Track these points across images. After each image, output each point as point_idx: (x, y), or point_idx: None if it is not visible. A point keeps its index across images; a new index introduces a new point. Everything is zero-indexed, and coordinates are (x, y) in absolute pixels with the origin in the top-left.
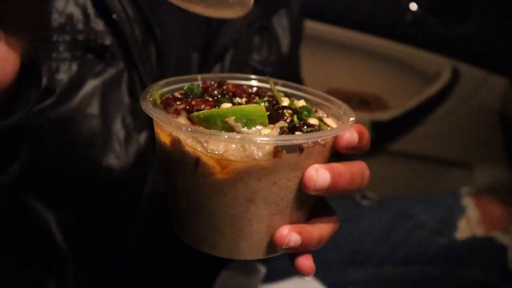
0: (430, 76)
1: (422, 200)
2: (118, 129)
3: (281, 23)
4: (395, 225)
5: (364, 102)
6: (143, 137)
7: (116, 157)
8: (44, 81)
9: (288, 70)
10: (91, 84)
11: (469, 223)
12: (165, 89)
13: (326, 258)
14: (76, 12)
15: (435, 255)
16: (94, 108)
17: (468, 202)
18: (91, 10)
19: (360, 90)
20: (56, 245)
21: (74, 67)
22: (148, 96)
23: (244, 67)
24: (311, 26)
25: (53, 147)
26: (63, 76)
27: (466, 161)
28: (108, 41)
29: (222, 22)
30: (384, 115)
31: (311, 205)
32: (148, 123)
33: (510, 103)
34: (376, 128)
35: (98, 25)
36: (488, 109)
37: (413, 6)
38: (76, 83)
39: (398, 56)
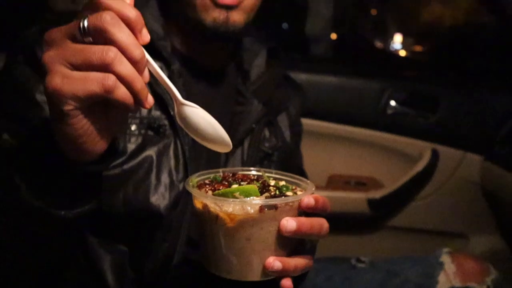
0: (414, 157)
1: (408, 260)
2: (165, 178)
3: (283, 122)
4: (385, 283)
5: (360, 183)
6: (181, 185)
7: (162, 198)
8: (121, 145)
9: (291, 160)
10: (150, 150)
11: (447, 277)
12: (199, 178)
13: None
14: None
15: None
16: (150, 165)
17: (445, 259)
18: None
19: (356, 174)
20: (106, 285)
21: (140, 138)
22: (189, 182)
23: (258, 151)
24: (313, 123)
25: (122, 192)
26: (132, 143)
27: (460, 232)
28: (162, 123)
29: (240, 118)
30: (377, 194)
31: (290, 244)
32: (185, 178)
33: (487, 176)
34: (372, 205)
35: (156, 113)
36: (470, 183)
37: (392, 102)
38: (140, 148)
39: (386, 143)
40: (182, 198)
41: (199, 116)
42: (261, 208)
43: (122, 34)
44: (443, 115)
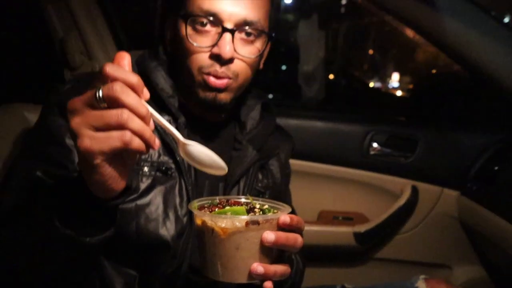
0: (396, 194)
1: (388, 286)
2: (171, 213)
3: (274, 165)
4: None
5: (348, 218)
6: (185, 219)
7: (169, 230)
8: (134, 184)
9: (281, 198)
10: (159, 188)
11: None
12: (200, 202)
13: None
14: (154, 152)
15: None
16: (159, 200)
17: (421, 284)
18: (161, 151)
19: (344, 210)
20: None
21: (150, 179)
22: (192, 204)
23: (252, 190)
24: (304, 164)
25: (135, 223)
26: (144, 183)
27: (443, 263)
28: (169, 166)
29: (237, 162)
30: (363, 227)
31: (271, 254)
32: (188, 213)
33: (464, 211)
34: (357, 238)
35: (165, 158)
36: (449, 216)
37: (375, 144)
38: (151, 187)
39: (370, 181)
40: (186, 230)
41: (198, 150)
42: (247, 223)
43: (130, 98)
44: (422, 154)
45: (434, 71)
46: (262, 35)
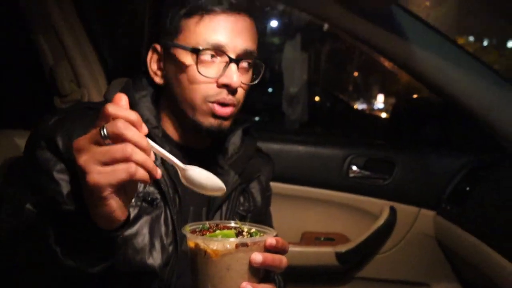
0: (375, 214)
1: None
2: (157, 243)
3: (255, 188)
4: None
5: (329, 239)
6: (170, 248)
7: (155, 259)
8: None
9: (262, 220)
10: (145, 219)
11: None
12: (191, 227)
13: None
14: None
15: None
16: (145, 231)
17: None
18: None
19: (326, 231)
20: None
21: (137, 209)
22: (185, 228)
23: (234, 214)
24: (287, 187)
25: (122, 253)
26: (131, 213)
27: (423, 281)
28: (155, 196)
29: None
30: (344, 248)
31: (258, 274)
32: (174, 241)
33: (440, 230)
34: (339, 258)
35: (150, 189)
36: (426, 236)
37: (354, 167)
38: (137, 217)
39: (350, 202)
40: (172, 258)
41: (198, 173)
42: (237, 245)
43: (132, 133)
44: (399, 176)
45: (415, 95)
46: (256, 63)
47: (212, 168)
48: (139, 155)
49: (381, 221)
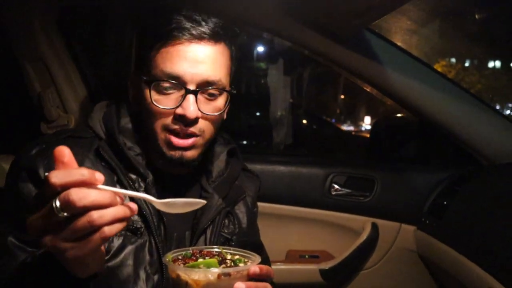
0: (358, 231)
1: None
2: (142, 273)
3: (240, 209)
4: None
5: (314, 256)
6: (155, 277)
7: None
8: (105, 246)
9: (248, 238)
10: (129, 248)
11: None
12: (174, 254)
13: None
14: None
15: None
16: (130, 261)
17: None
18: None
19: (310, 248)
20: None
21: (121, 239)
22: (166, 257)
23: (219, 237)
24: (271, 206)
25: (107, 285)
26: (115, 243)
27: None
28: (139, 225)
29: (203, 211)
30: (328, 265)
31: None
32: (159, 270)
33: (421, 244)
34: (323, 275)
35: (134, 217)
36: (408, 250)
37: (335, 185)
38: (121, 247)
39: (333, 220)
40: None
41: (175, 203)
42: (219, 275)
43: (90, 198)
44: (379, 193)
45: (399, 115)
46: (223, 93)
47: (196, 192)
48: (108, 216)
49: (363, 237)
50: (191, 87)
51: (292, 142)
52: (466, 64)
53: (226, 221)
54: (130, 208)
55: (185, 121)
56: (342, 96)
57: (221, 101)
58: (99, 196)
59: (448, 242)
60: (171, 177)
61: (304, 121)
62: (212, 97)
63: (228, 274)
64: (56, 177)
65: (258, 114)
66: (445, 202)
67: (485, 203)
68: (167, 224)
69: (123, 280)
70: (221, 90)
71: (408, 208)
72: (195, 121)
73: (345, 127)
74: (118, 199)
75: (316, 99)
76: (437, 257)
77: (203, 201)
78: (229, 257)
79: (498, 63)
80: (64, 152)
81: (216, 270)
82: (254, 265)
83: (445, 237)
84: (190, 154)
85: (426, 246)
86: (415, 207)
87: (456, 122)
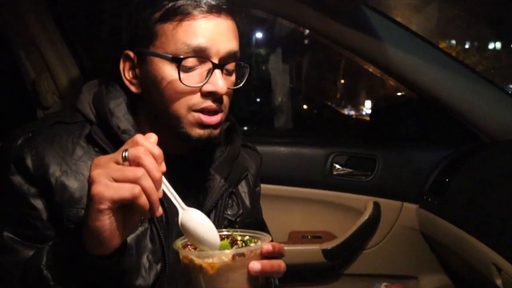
0: (360, 210)
1: None
2: (144, 262)
3: (243, 189)
4: None
5: (316, 237)
6: (159, 266)
7: (143, 279)
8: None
9: (252, 218)
10: (130, 237)
11: None
12: (183, 241)
13: None
14: None
15: None
16: (132, 250)
17: None
18: None
19: (312, 229)
20: None
21: None
22: (176, 244)
23: (223, 220)
24: (273, 187)
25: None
26: None
27: (410, 274)
28: None
29: (206, 193)
30: (330, 244)
31: (257, 283)
32: (162, 258)
33: (423, 222)
34: (326, 255)
35: None
36: (410, 229)
37: (337, 165)
38: None
39: (335, 200)
40: (160, 277)
41: (199, 217)
42: (233, 256)
43: (149, 162)
44: (380, 172)
45: (400, 93)
46: (239, 65)
47: (197, 174)
48: (147, 182)
49: (365, 217)
50: (216, 61)
51: (292, 127)
52: (466, 46)
53: (230, 201)
54: (158, 205)
55: (214, 98)
56: (342, 81)
57: (234, 76)
58: (155, 168)
59: (451, 220)
60: (169, 159)
61: (305, 106)
62: (230, 71)
63: (242, 254)
64: (141, 138)
65: (258, 100)
66: (447, 180)
67: (487, 180)
68: (168, 209)
69: (125, 269)
70: (242, 63)
71: (410, 186)
72: (221, 97)
73: (346, 112)
74: (161, 190)
75: (316, 84)
76: (439, 235)
77: (218, 244)
78: (239, 238)
79: (498, 45)
80: (152, 135)
81: (230, 251)
82: (266, 244)
83: (447, 215)
84: (217, 132)
85: (429, 224)
86: (417, 185)
87: (458, 99)
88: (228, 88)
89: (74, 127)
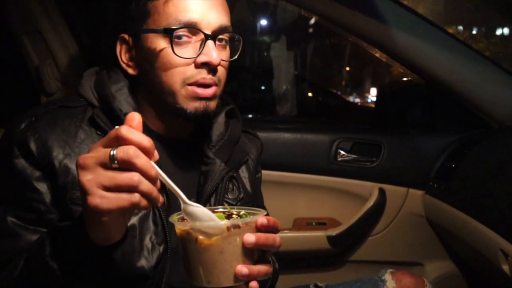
0: (365, 197)
1: (358, 281)
2: (147, 243)
3: (243, 173)
4: None
5: (321, 223)
6: (161, 248)
7: (146, 260)
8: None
9: (253, 203)
10: (133, 220)
11: None
12: (179, 216)
13: None
14: None
15: None
16: (135, 232)
17: (387, 277)
18: None
19: (317, 216)
20: None
21: None
22: (172, 217)
23: (223, 204)
24: (277, 174)
25: (110, 256)
26: None
27: (415, 260)
28: None
29: (206, 177)
30: (335, 231)
31: (253, 255)
32: (164, 240)
33: (429, 209)
34: (331, 241)
35: None
36: (416, 215)
37: (341, 151)
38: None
39: (339, 186)
40: (162, 258)
41: (201, 211)
42: (228, 228)
43: (142, 162)
44: (386, 158)
45: (405, 79)
46: (233, 38)
47: (197, 159)
48: (145, 185)
49: (370, 203)
50: (209, 32)
51: (297, 114)
52: (474, 32)
53: (230, 185)
54: (159, 198)
55: (209, 69)
56: (348, 68)
57: (228, 49)
58: (149, 167)
59: (457, 206)
60: (170, 143)
61: (310, 94)
62: (225, 43)
63: (237, 226)
64: (125, 131)
65: (263, 88)
66: (453, 166)
67: (494, 166)
68: (169, 192)
69: (128, 252)
70: (231, 35)
71: (415, 172)
72: (215, 68)
73: (351, 99)
74: (158, 182)
75: (321, 71)
76: (445, 221)
77: (224, 228)
78: (234, 213)
79: (506, 30)
80: (134, 117)
81: (225, 223)
82: (261, 217)
83: (454, 201)
84: (213, 104)
85: (435, 211)
86: (422, 172)
87: (465, 83)
88: (222, 60)
89: (77, 111)
